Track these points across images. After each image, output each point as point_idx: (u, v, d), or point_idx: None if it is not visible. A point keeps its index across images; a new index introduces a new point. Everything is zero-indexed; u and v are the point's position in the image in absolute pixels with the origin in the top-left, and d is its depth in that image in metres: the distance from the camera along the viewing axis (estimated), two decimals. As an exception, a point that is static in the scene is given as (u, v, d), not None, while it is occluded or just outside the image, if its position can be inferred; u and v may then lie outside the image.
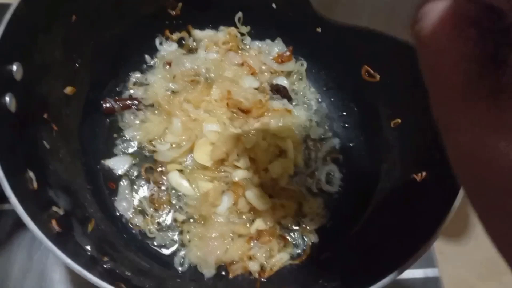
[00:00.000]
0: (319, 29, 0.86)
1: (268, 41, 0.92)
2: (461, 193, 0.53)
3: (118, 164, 0.78)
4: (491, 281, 1.00)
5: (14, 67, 0.57)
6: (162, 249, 0.72)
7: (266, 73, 0.88)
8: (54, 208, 0.59)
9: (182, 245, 0.72)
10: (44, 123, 0.66)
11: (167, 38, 0.89)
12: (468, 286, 0.99)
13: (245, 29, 0.92)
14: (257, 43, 0.92)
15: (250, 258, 0.71)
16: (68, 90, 0.73)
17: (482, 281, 1.00)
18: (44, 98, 0.66)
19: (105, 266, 0.57)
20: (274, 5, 0.86)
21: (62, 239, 0.54)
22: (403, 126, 0.74)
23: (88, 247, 0.59)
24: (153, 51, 0.88)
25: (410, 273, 0.89)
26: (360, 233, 0.69)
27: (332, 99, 0.90)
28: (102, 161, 0.78)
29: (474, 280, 1.00)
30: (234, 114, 0.82)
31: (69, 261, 0.49)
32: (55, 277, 0.82)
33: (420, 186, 0.64)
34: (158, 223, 0.74)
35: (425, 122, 0.68)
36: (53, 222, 0.55)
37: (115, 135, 0.80)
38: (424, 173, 0.64)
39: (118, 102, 0.80)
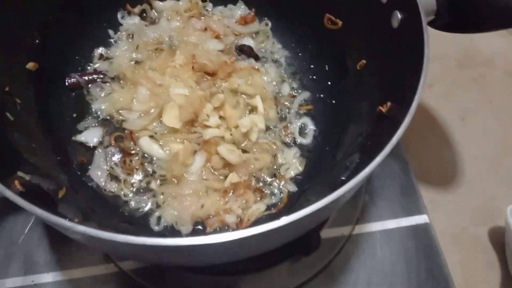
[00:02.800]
0: (278, -14, 0.86)
1: (230, 5, 0.92)
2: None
3: (91, 137, 0.78)
4: (484, 226, 0.98)
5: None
6: (136, 212, 0.71)
7: (230, 36, 0.88)
8: (20, 173, 0.58)
9: (157, 206, 0.71)
10: (6, 96, 0.66)
11: (129, 12, 0.89)
12: (460, 230, 0.97)
13: (206, -5, 0.91)
14: (220, 8, 0.92)
15: (226, 211, 0.70)
16: (30, 65, 0.73)
17: (474, 225, 0.98)
18: (2, 72, 0.66)
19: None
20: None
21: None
22: (368, 65, 0.74)
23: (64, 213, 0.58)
24: (116, 26, 0.88)
25: (398, 222, 0.87)
26: (335, 172, 0.68)
27: (300, 54, 0.89)
28: (73, 137, 0.77)
29: (467, 225, 0.98)
30: (201, 77, 0.82)
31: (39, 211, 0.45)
32: (40, 260, 0.82)
33: (386, 116, 0.63)
34: (132, 186, 0.73)
35: (389, 56, 0.68)
36: (16, 183, 0.55)
37: (82, 109, 0.80)
38: (389, 103, 0.64)
39: (83, 77, 0.80)
